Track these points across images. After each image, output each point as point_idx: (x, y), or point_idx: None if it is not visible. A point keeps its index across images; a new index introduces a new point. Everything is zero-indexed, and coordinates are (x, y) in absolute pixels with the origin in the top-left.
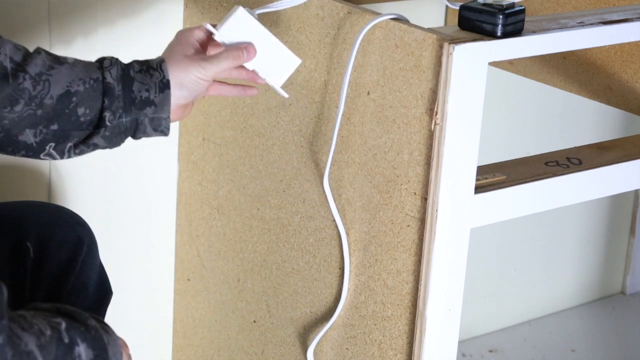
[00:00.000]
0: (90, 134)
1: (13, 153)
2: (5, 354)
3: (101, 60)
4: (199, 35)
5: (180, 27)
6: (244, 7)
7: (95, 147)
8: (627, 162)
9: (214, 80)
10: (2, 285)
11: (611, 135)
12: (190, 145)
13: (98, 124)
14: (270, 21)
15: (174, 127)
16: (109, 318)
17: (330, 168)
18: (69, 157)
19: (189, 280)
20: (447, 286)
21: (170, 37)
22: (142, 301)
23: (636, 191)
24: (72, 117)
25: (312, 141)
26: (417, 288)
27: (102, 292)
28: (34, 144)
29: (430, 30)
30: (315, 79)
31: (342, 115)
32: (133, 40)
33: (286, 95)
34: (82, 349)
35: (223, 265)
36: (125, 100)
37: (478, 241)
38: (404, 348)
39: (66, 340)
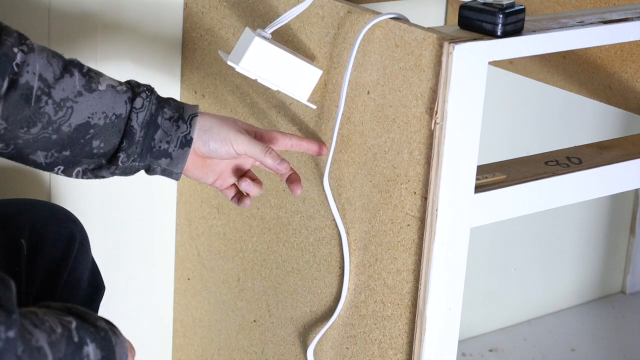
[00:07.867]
0: (100, 166)
1: (21, 163)
2: (16, 349)
3: (135, 93)
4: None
5: (180, 27)
6: (255, 32)
7: (103, 177)
8: (627, 161)
9: (240, 177)
10: (10, 281)
11: (611, 135)
12: None
13: (110, 159)
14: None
15: None
16: (109, 317)
17: (330, 167)
18: (76, 178)
19: (189, 279)
20: (447, 286)
21: (169, 36)
22: (142, 300)
23: (636, 191)
24: (85, 147)
25: None
26: (417, 287)
27: (95, 288)
28: (44, 164)
29: (430, 29)
30: None
31: (342, 114)
32: (133, 40)
33: (314, 107)
34: (90, 349)
35: (223, 265)
36: (144, 147)
37: (478, 241)
38: (404, 347)
39: (76, 339)
